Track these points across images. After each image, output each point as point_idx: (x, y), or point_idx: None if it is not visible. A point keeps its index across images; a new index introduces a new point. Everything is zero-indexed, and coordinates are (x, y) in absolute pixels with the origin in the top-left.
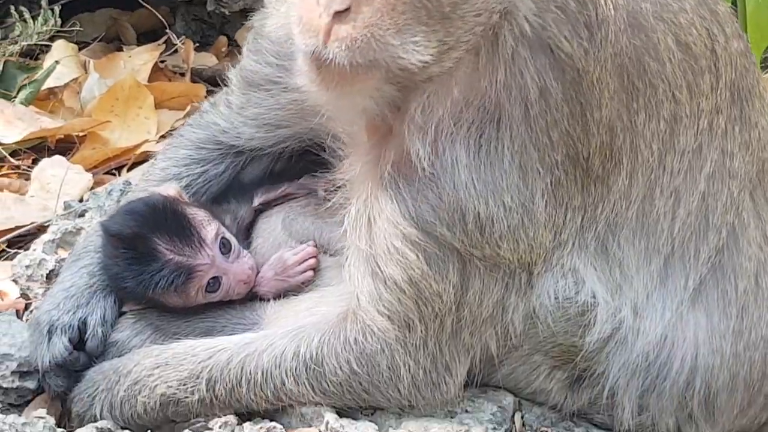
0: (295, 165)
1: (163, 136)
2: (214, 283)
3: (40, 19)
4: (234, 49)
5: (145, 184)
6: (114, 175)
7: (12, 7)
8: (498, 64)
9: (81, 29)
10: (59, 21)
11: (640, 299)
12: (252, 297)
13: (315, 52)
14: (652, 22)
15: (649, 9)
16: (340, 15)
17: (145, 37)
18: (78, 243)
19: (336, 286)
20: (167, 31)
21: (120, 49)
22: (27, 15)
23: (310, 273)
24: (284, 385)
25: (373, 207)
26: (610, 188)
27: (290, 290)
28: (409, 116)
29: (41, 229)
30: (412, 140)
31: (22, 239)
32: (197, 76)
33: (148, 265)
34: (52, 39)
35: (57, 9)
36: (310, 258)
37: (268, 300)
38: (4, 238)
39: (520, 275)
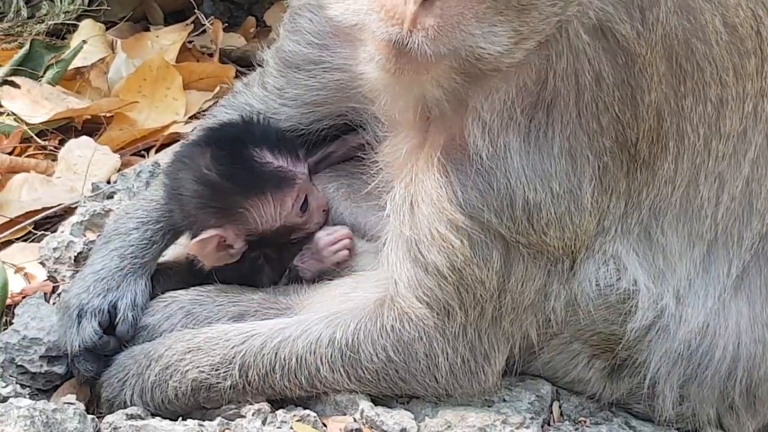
0: (330, 143)
1: (191, 117)
2: (305, 202)
3: None
4: (262, 29)
5: None
6: (142, 156)
7: None
8: (561, 51)
9: (108, 8)
10: (86, 0)
11: (682, 286)
12: (285, 281)
13: (396, 40)
14: (700, 2)
15: None
16: (425, 3)
17: (172, 17)
18: (108, 225)
19: (372, 271)
20: (196, 11)
21: (147, 30)
22: None
23: (344, 253)
24: (319, 371)
25: (417, 191)
26: (656, 173)
27: (327, 271)
28: (470, 104)
29: (68, 210)
30: (471, 127)
31: (49, 221)
32: (225, 56)
33: (251, 167)
34: (78, 18)
35: None
36: (343, 239)
37: (302, 284)
38: (32, 219)
39: (563, 262)
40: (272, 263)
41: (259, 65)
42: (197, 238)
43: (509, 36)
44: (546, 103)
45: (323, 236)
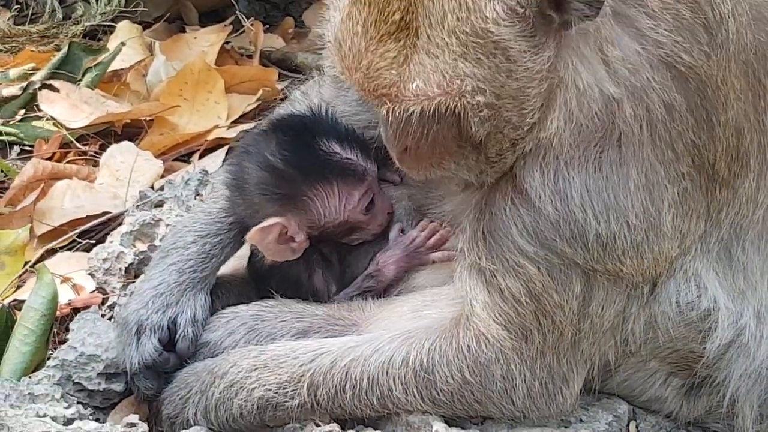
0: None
1: (234, 122)
2: (371, 201)
3: None
4: (300, 30)
5: None
6: (184, 161)
7: None
8: (623, 96)
9: (145, 9)
10: (123, 1)
11: (763, 305)
12: (355, 290)
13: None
14: None
15: None
16: (402, 153)
17: (206, 17)
18: (165, 239)
19: (444, 287)
20: (237, 12)
21: (182, 30)
22: None
23: (441, 254)
24: (392, 392)
25: (488, 222)
26: (736, 191)
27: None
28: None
29: (112, 219)
30: (522, 174)
31: (93, 228)
32: (265, 58)
33: (318, 155)
34: (113, 19)
35: None
36: (439, 233)
37: (366, 300)
38: (79, 229)
39: (643, 287)
40: (328, 266)
41: (319, 71)
42: (258, 226)
43: (477, 170)
44: (615, 139)
45: (417, 233)
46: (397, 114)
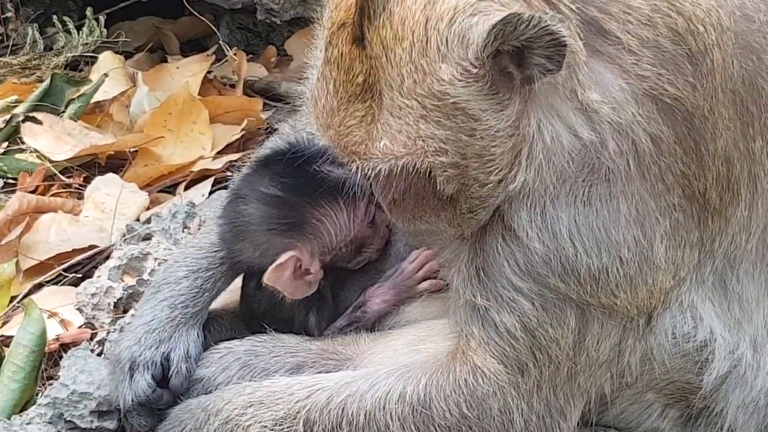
0: None
1: (219, 153)
2: (374, 216)
3: (84, 29)
4: (283, 58)
5: None
6: (169, 193)
7: (54, 17)
8: (605, 136)
9: (127, 40)
10: (105, 32)
11: (760, 335)
12: (345, 321)
13: None
14: (763, 42)
15: (760, 28)
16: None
17: (187, 46)
18: (157, 274)
19: (439, 321)
20: (220, 42)
21: (164, 60)
22: (70, 25)
23: (432, 282)
24: (389, 428)
25: (481, 261)
26: (729, 221)
27: (386, 314)
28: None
29: (99, 253)
30: (510, 214)
31: (79, 262)
32: (248, 88)
33: (315, 176)
34: (94, 50)
35: (102, 19)
36: (429, 262)
37: (359, 333)
38: (66, 264)
39: (638, 319)
40: (323, 303)
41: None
42: (273, 265)
43: (455, 223)
44: (603, 174)
45: (407, 264)
46: (365, 171)
